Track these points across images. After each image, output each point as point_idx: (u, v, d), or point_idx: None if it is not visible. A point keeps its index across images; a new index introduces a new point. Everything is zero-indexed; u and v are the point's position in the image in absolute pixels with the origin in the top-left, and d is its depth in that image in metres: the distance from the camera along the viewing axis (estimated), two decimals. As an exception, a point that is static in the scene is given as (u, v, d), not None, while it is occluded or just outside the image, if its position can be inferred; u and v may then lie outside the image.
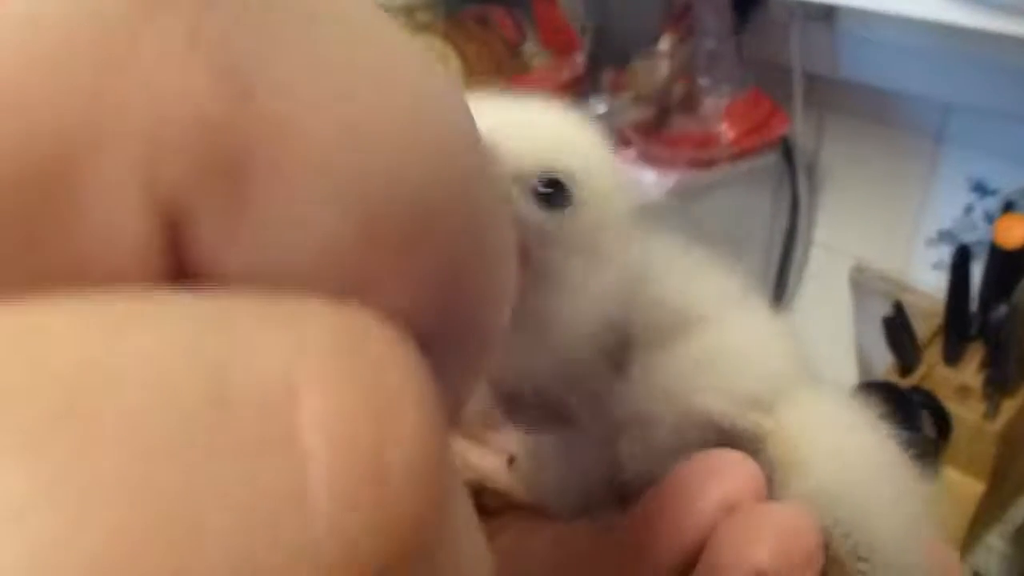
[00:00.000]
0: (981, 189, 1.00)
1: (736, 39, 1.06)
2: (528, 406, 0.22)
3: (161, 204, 0.09)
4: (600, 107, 1.03)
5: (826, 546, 0.19)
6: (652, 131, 1.02)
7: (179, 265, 0.09)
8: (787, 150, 1.09)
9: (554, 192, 0.18)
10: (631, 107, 1.03)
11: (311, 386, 0.08)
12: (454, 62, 1.16)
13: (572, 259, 0.19)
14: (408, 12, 1.28)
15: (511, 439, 0.26)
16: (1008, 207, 0.85)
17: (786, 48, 1.04)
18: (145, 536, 0.07)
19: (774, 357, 0.21)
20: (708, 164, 0.98)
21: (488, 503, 0.24)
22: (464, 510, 0.09)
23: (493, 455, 0.26)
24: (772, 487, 0.20)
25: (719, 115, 1.01)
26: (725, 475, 0.19)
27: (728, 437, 0.20)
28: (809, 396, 0.21)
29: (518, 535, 0.23)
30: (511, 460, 0.25)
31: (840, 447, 0.20)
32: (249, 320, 0.08)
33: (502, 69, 1.17)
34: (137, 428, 0.07)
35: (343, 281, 0.09)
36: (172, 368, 0.08)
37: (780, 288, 1.19)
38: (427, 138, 0.10)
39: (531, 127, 0.19)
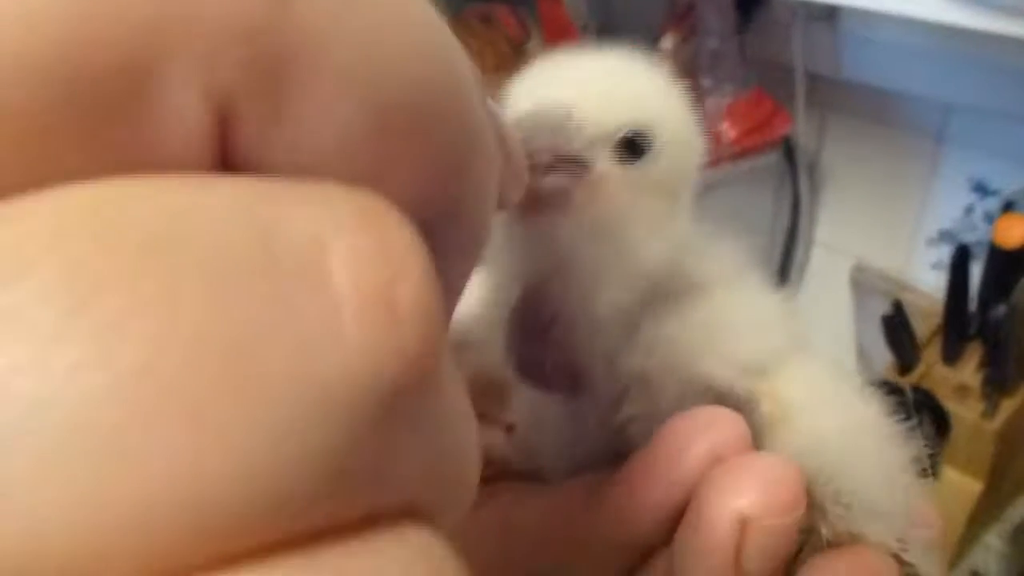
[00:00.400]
0: (982, 189, 1.00)
1: (739, 39, 1.06)
2: (547, 366, 0.22)
3: (215, 101, 0.10)
4: (603, 106, 1.03)
5: (809, 493, 0.20)
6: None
7: (225, 157, 0.10)
8: (789, 150, 1.09)
9: (635, 142, 0.20)
10: (633, 106, 1.04)
11: (338, 241, 0.10)
12: (458, 60, 1.17)
13: (653, 203, 0.20)
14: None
15: (509, 410, 0.26)
16: (1008, 207, 0.85)
17: (788, 48, 1.04)
18: (215, 355, 0.09)
19: (772, 328, 0.22)
20: (710, 163, 0.99)
21: (482, 472, 0.24)
22: (452, 371, 0.11)
23: (489, 427, 0.27)
24: (762, 443, 0.20)
25: (721, 114, 1.01)
26: (712, 428, 0.20)
27: (725, 401, 0.20)
28: (802, 363, 0.22)
29: (511, 502, 0.24)
30: (510, 428, 0.26)
31: (825, 402, 0.21)
32: (287, 195, 0.10)
33: (506, 67, 1.17)
34: (207, 271, 0.09)
35: (361, 168, 0.11)
36: (232, 226, 0.09)
37: (781, 287, 1.19)
38: (429, 50, 0.12)
39: (612, 79, 0.21)
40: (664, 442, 0.20)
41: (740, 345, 0.21)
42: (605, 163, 0.20)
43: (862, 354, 1.09)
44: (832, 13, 1.00)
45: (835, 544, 0.20)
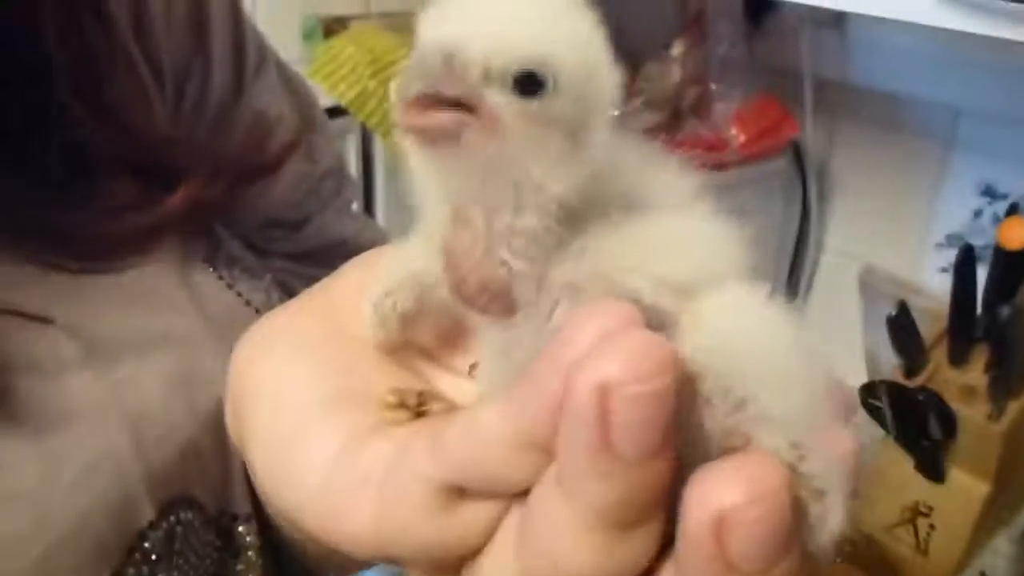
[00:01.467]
0: (990, 193, 1.01)
1: (748, 45, 1.07)
2: (496, 292, 0.23)
3: None
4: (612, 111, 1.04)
5: (697, 388, 0.20)
6: (663, 135, 1.04)
7: None
8: (797, 154, 1.10)
9: (531, 79, 0.20)
10: (643, 111, 1.05)
11: None
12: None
13: (560, 136, 0.20)
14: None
15: (471, 352, 0.27)
16: (1012, 210, 0.86)
17: (797, 53, 1.05)
18: None
19: (706, 251, 0.22)
20: (718, 167, 1.00)
21: (436, 412, 0.25)
22: None
23: (451, 374, 0.28)
24: None
25: (729, 119, 1.02)
26: (599, 314, 0.19)
27: (648, 316, 0.20)
28: (732, 288, 0.21)
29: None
30: (472, 367, 0.27)
31: (736, 312, 0.21)
32: None
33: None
34: None
35: None
36: None
37: (790, 291, 1.20)
38: None
39: (509, 14, 0.21)
40: (555, 335, 0.20)
41: (668, 263, 0.21)
42: (499, 100, 0.20)
43: (871, 357, 1.10)
44: (840, 18, 1.01)
45: (728, 449, 0.20)
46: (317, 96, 0.53)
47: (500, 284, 0.22)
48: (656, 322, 0.20)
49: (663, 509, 0.19)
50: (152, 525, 0.33)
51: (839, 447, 0.21)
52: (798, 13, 1.03)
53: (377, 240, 0.52)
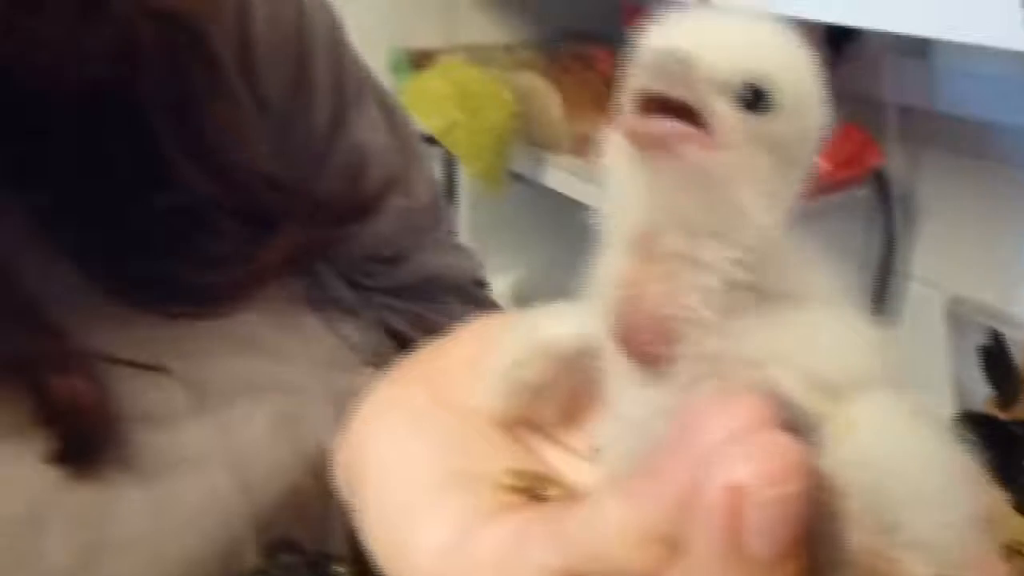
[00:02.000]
0: (1083, 221, 0.99)
1: (829, 72, 1.07)
2: (663, 338, 0.21)
3: None
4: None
5: (845, 506, 0.19)
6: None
7: None
8: (881, 183, 1.10)
9: (756, 94, 0.20)
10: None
11: None
12: (554, 97, 1.21)
13: (770, 162, 0.20)
14: (509, 50, 1.34)
15: (592, 432, 0.26)
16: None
17: (880, 81, 1.05)
18: None
19: (858, 353, 0.21)
20: (803, 196, 1.00)
21: (553, 496, 0.24)
22: None
23: (567, 453, 0.27)
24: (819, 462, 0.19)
25: (812, 148, 1.03)
26: (730, 408, 0.19)
27: (788, 411, 0.19)
28: (883, 393, 0.20)
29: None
30: (595, 451, 0.25)
31: (889, 427, 0.20)
32: None
33: (601, 104, 1.21)
34: None
35: None
36: None
37: (874, 320, 1.18)
38: None
39: (736, 31, 0.21)
40: (679, 423, 0.19)
41: (818, 360, 0.20)
42: (725, 110, 0.20)
43: (960, 389, 1.08)
44: (925, 46, 1.01)
45: (873, 571, 0.19)
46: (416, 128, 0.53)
47: (671, 329, 0.21)
48: (798, 421, 0.19)
49: None
50: (257, 570, 0.34)
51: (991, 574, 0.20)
52: (882, 41, 1.03)
53: (474, 271, 0.52)
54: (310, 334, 0.40)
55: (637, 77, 0.20)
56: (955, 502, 0.20)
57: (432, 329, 0.41)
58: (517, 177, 1.30)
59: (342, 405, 0.33)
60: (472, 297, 0.52)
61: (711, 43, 0.20)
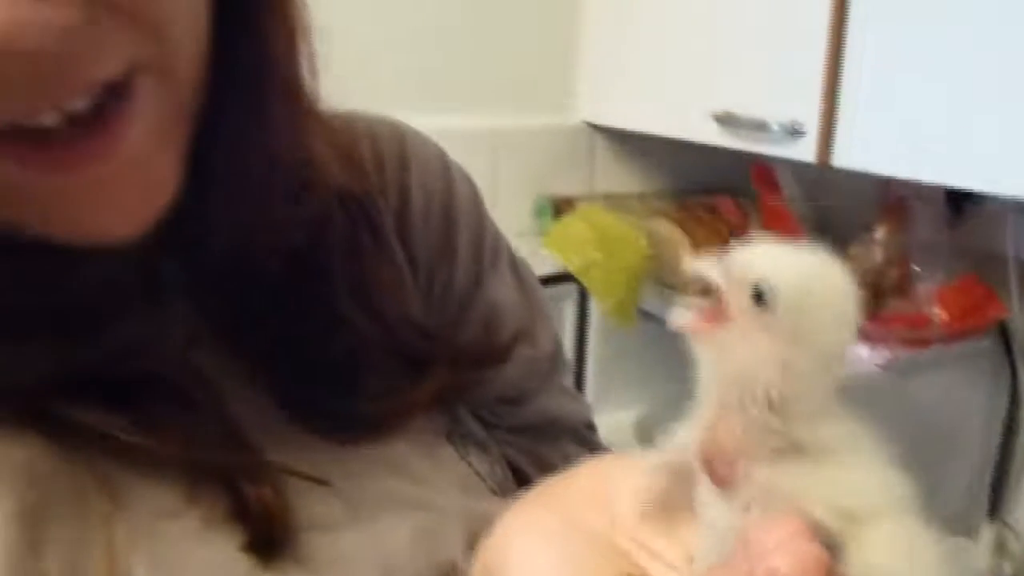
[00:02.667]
0: None
1: (949, 229, 1.13)
2: (731, 465, 0.29)
3: None
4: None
5: None
6: (866, 311, 1.10)
7: None
8: (1004, 335, 1.13)
9: (760, 293, 0.28)
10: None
11: None
12: (683, 241, 1.31)
13: (782, 351, 0.28)
14: (644, 199, 1.45)
15: (690, 535, 0.32)
16: None
17: (1001, 237, 1.10)
18: None
19: (873, 492, 0.28)
20: (921, 344, 1.05)
21: None
22: None
23: (664, 565, 0.32)
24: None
25: (932, 299, 1.08)
26: (784, 524, 0.26)
27: (819, 533, 0.26)
28: (894, 520, 0.27)
29: None
30: (689, 559, 0.32)
31: (884, 545, 0.27)
32: None
33: (727, 249, 1.30)
34: None
35: None
36: None
37: (1000, 474, 1.18)
38: None
39: (773, 256, 0.28)
40: (743, 536, 0.26)
41: (841, 496, 0.27)
42: (739, 301, 0.27)
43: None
44: (1045, 207, 1.06)
45: None
46: (539, 281, 0.58)
47: (736, 463, 0.28)
48: (826, 539, 0.26)
49: None
50: None
51: None
52: (1001, 202, 1.09)
53: (586, 415, 0.59)
54: (447, 463, 0.46)
55: (702, 270, 0.29)
56: None
57: (547, 466, 0.50)
58: (646, 315, 1.39)
59: (471, 525, 0.41)
60: (584, 439, 0.58)
61: (752, 256, 0.28)
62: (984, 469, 1.20)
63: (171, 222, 0.34)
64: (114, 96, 0.30)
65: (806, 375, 0.27)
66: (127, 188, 0.32)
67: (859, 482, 0.27)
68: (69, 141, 0.30)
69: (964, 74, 0.87)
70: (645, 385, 1.51)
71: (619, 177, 1.47)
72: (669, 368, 1.49)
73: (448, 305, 0.50)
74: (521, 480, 0.51)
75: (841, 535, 0.26)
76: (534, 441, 0.53)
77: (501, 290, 0.52)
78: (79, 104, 0.29)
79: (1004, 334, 1.13)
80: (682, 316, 0.28)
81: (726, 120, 1.13)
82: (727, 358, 0.28)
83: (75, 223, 0.32)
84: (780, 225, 1.27)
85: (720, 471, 0.28)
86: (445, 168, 0.51)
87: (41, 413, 0.34)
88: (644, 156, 1.48)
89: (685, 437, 0.31)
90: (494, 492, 0.47)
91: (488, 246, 0.52)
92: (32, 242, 0.32)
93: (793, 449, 0.27)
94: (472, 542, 0.39)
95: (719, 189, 1.44)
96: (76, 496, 0.34)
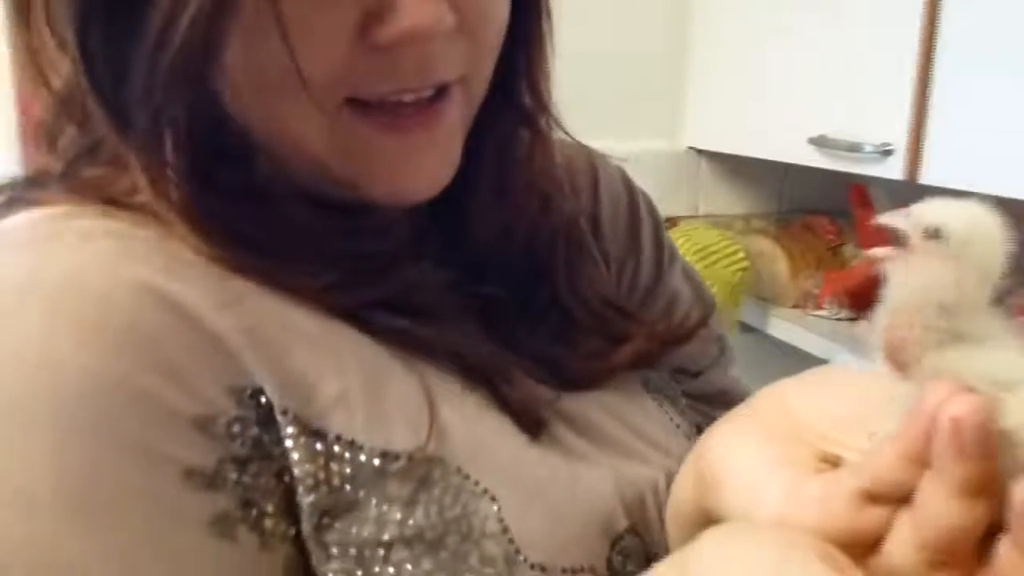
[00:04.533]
0: None
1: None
2: (907, 353, 0.34)
3: None
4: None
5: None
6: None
7: None
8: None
9: (936, 232, 0.34)
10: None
11: None
12: (782, 259, 1.39)
13: (940, 265, 0.34)
14: (746, 219, 1.54)
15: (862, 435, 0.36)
16: None
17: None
18: None
19: (1018, 366, 0.32)
20: None
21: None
22: None
23: (848, 451, 0.36)
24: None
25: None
26: (951, 386, 0.30)
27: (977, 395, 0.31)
28: None
29: None
30: (872, 434, 0.35)
31: None
32: None
33: (822, 266, 1.38)
34: None
35: None
36: None
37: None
38: None
39: (946, 206, 0.35)
40: (921, 396, 0.30)
41: (993, 368, 0.32)
42: (917, 239, 0.34)
43: None
44: None
45: None
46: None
47: (909, 349, 0.34)
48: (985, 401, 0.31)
49: (995, 498, 0.29)
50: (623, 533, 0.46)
51: None
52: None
53: (747, 392, 0.65)
54: (649, 410, 0.54)
55: (890, 219, 0.35)
56: None
57: None
58: (746, 327, 1.47)
59: (668, 464, 0.48)
60: None
61: (927, 207, 0.35)
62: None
63: (440, 204, 0.46)
64: (441, 93, 0.42)
65: (969, 289, 0.34)
66: (434, 157, 0.44)
67: (1005, 360, 0.33)
68: (412, 115, 0.42)
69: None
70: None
71: (722, 198, 1.57)
72: (767, 377, 1.56)
73: (635, 292, 0.60)
74: None
75: (994, 400, 0.31)
76: (707, 407, 0.60)
77: (678, 284, 0.62)
78: (427, 92, 0.42)
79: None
80: (879, 249, 0.36)
81: (821, 142, 1.22)
82: (911, 275, 0.34)
83: (395, 180, 0.43)
84: (875, 242, 1.33)
85: (900, 357, 0.34)
86: (626, 180, 0.63)
87: (363, 319, 0.43)
88: (745, 179, 1.57)
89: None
90: (687, 437, 0.54)
91: (667, 245, 0.63)
92: (355, 202, 0.44)
93: (955, 339, 0.33)
94: (671, 480, 0.46)
95: (817, 209, 1.52)
96: (401, 375, 0.43)
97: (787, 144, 1.28)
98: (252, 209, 0.42)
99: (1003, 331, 0.34)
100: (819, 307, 1.35)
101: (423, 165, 0.44)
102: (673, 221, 1.50)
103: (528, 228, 0.51)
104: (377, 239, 0.45)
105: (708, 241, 1.36)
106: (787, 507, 0.34)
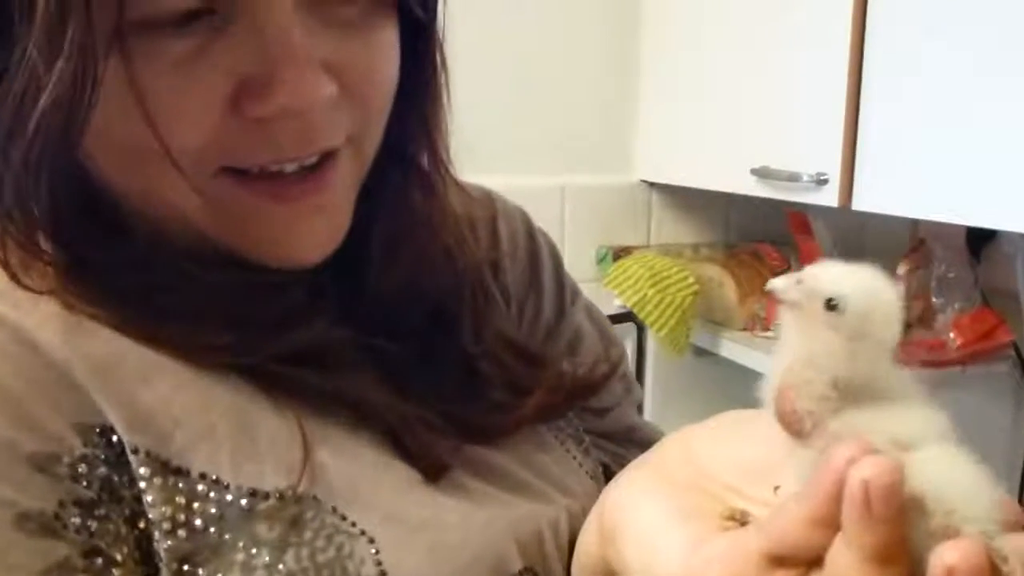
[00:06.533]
0: None
1: (968, 267, 1.27)
2: (802, 420, 0.32)
3: None
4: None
5: (924, 506, 0.29)
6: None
7: None
8: (1019, 360, 1.25)
9: (831, 303, 0.32)
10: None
11: None
12: (730, 285, 1.47)
13: (831, 335, 0.32)
14: (695, 248, 1.62)
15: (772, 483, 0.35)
16: None
17: (1013, 275, 1.23)
18: None
19: (918, 423, 0.32)
20: (939, 365, 1.18)
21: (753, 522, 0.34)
22: None
23: (754, 504, 0.35)
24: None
25: (948, 326, 1.22)
26: (855, 446, 0.29)
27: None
28: (936, 446, 0.31)
29: None
30: (775, 488, 0.35)
31: (935, 461, 0.31)
32: None
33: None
34: None
35: None
36: None
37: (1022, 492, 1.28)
38: None
39: (840, 273, 0.33)
40: (824, 458, 0.29)
41: (895, 428, 0.31)
42: (814, 307, 0.33)
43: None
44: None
45: (946, 537, 0.28)
46: (607, 316, 0.67)
47: (803, 419, 0.33)
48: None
49: (906, 561, 0.28)
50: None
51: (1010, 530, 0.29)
52: (1013, 241, 1.23)
53: (655, 431, 0.65)
54: (551, 448, 0.53)
55: (784, 290, 0.34)
56: (986, 493, 0.30)
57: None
58: (700, 351, 1.54)
59: (569, 504, 0.47)
60: None
61: (822, 274, 0.33)
62: (1007, 486, 1.30)
63: (334, 263, 0.43)
64: (326, 157, 0.40)
65: (864, 361, 0.33)
66: (322, 222, 0.42)
67: (904, 417, 0.32)
68: (295, 183, 0.40)
69: (968, 122, 1.01)
70: (697, 416, 1.63)
71: (673, 228, 1.65)
72: (719, 396, 1.63)
73: (537, 330, 0.59)
74: (609, 477, 0.56)
75: (899, 461, 0.30)
76: (613, 445, 0.60)
77: (581, 320, 0.62)
78: (311, 160, 0.40)
79: (1019, 358, 1.25)
80: (778, 285, 0.34)
81: (763, 173, 1.29)
82: (804, 340, 0.33)
83: (280, 247, 0.41)
84: (816, 266, 1.42)
85: (793, 427, 0.33)
86: (526, 221, 0.62)
87: (252, 369, 0.41)
88: (694, 209, 1.65)
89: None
90: (590, 476, 0.53)
91: (568, 284, 0.62)
92: (242, 263, 0.42)
93: (852, 402, 0.33)
94: (572, 520, 0.46)
95: (762, 238, 1.60)
96: (275, 415, 0.41)
97: (731, 176, 1.36)
98: (132, 282, 0.40)
99: (903, 383, 0.34)
100: (767, 329, 1.43)
101: (310, 231, 0.42)
102: (627, 250, 1.57)
103: (431, 281, 0.50)
104: (271, 299, 0.43)
105: (660, 267, 1.43)
106: (689, 565, 0.33)
